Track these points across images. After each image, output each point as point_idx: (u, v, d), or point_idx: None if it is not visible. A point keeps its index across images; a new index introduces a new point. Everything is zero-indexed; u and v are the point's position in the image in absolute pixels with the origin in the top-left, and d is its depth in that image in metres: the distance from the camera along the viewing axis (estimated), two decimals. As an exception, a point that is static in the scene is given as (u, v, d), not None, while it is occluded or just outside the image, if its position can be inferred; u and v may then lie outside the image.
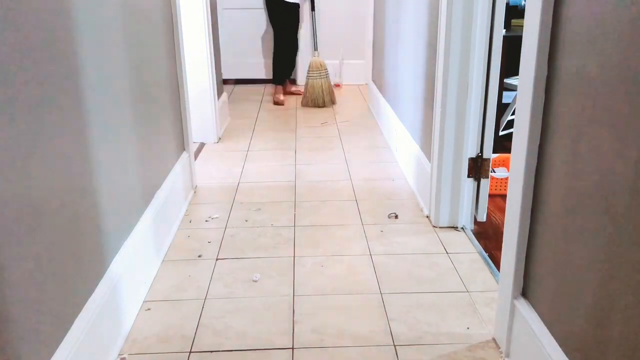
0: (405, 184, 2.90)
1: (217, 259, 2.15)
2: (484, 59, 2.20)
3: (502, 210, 2.46)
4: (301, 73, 5.36)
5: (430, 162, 2.47)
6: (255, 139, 3.77)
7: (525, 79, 1.38)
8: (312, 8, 4.63)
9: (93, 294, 1.50)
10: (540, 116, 1.36)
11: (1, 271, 1.07)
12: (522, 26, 1.40)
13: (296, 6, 4.66)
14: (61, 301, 1.32)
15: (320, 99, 4.51)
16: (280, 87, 4.86)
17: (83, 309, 1.43)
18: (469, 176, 2.35)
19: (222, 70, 4.60)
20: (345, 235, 2.35)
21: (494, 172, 2.71)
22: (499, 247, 1.64)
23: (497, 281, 1.89)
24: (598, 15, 1.10)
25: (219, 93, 3.91)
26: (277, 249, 2.22)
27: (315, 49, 4.60)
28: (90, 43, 1.53)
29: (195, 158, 3.28)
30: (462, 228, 2.38)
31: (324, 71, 4.53)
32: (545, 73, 1.32)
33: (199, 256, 2.17)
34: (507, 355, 1.56)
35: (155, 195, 2.16)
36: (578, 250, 1.20)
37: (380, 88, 4.08)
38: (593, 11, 1.12)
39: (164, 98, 2.35)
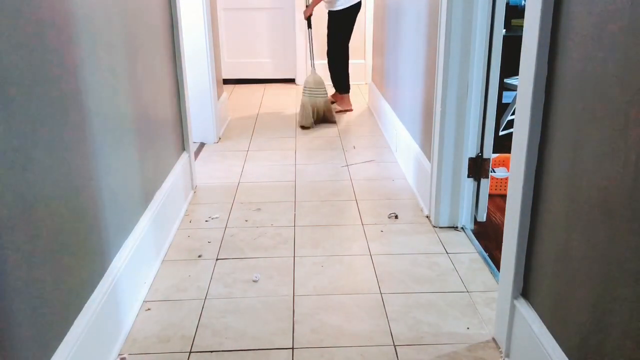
0: (405, 184, 2.90)
1: (217, 259, 2.15)
2: (484, 59, 2.20)
3: (502, 210, 2.46)
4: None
5: (430, 162, 2.47)
6: (255, 139, 3.77)
7: (525, 79, 1.38)
8: (309, 26, 4.30)
9: (93, 294, 1.50)
10: (540, 116, 1.36)
11: (1, 271, 1.07)
12: (522, 26, 1.40)
13: (337, 13, 4.25)
14: (61, 301, 1.32)
15: (312, 119, 4.05)
16: (343, 96, 4.51)
17: (83, 309, 1.43)
18: (469, 176, 2.35)
19: (222, 70, 4.60)
20: (345, 235, 2.35)
21: (494, 172, 2.71)
22: (499, 247, 1.64)
23: (497, 281, 1.89)
24: (598, 15, 1.10)
25: (219, 93, 3.91)
26: (277, 249, 2.22)
27: (312, 66, 4.25)
28: (90, 42, 1.53)
29: (195, 158, 3.28)
30: (462, 228, 2.38)
31: (320, 89, 4.08)
32: (545, 73, 1.32)
33: (199, 256, 2.17)
34: (507, 355, 1.56)
35: (155, 195, 2.16)
36: (578, 250, 1.20)
37: (380, 88, 4.08)
38: (593, 11, 1.12)
39: (164, 98, 2.35)
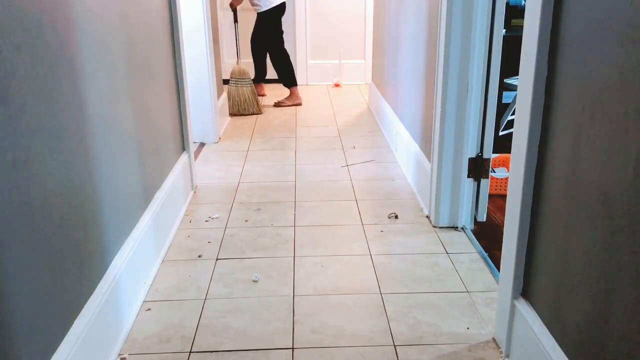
0: (405, 184, 2.90)
1: (217, 259, 2.15)
2: (484, 59, 2.20)
3: (502, 210, 2.46)
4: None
5: (430, 162, 2.47)
6: (255, 139, 3.77)
7: (525, 79, 1.38)
8: (235, 20, 4.66)
9: (93, 294, 1.50)
10: (540, 116, 1.36)
11: (1, 271, 1.07)
12: (522, 26, 1.40)
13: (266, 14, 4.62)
14: (61, 301, 1.32)
15: (244, 106, 4.40)
16: (291, 90, 4.76)
17: (83, 309, 1.43)
18: (469, 176, 2.34)
19: (222, 70, 4.61)
20: (345, 235, 2.34)
21: (494, 172, 2.71)
22: (499, 247, 1.64)
23: (497, 281, 1.89)
24: (598, 15, 1.10)
25: (219, 93, 3.91)
26: (277, 249, 2.22)
27: (238, 57, 4.61)
28: (90, 42, 1.53)
29: (195, 158, 3.28)
30: (462, 228, 2.38)
31: (245, 79, 4.41)
32: (545, 73, 1.32)
33: (199, 256, 2.17)
34: (507, 355, 1.56)
35: (155, 195, 2.16)
36: (578, 250, 1.20)
37: (380, 88, 4.08)
38: (593, 11, 1.12)
39: (164, 98, 2.35)
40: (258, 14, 4.62)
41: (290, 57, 4.84)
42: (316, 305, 1.84)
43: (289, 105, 4.71)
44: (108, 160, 1.64)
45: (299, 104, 4.74)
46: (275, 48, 4.72)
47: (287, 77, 4.74)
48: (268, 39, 4.69)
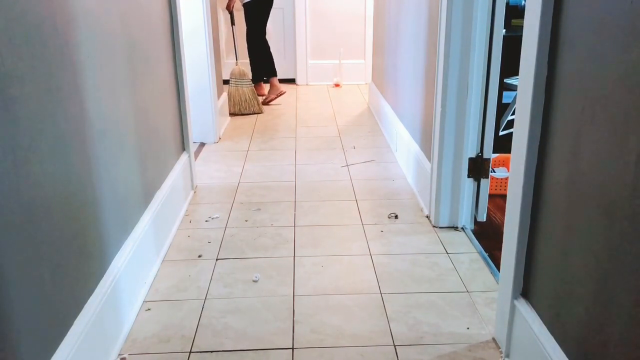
0: (405, 184, 2.90)
1: (217, 259, 2.15)
2: (484, 59, 2.20)
3: (502, 210, 2.46)
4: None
5: (430, 162, 2.47)
6: (255, 138, 3.77)
7: (525, 79, 1.38)
8: (232, 22, 4.73)
9: (93, 294, 1.50)
10: (540, 116, 1.36)
11: (1, 271, 1.07)
12: (522, 26, 1.40)
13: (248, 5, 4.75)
14: (61, 301, 1.32)
15: (245, 106, 4.44)
16: (272, 80, 4.87)
17: (83, 309, 1.43)
18: (469, 176, 2.35)
19: (222, 70, 4.62)
20: (345, 235, 2.35)
21: (494, 172, 2.71)
22: (499, 247, 1.64)
23: (497, 281, 1.89)
24: (598, 15, 1.10)
25: (219, 93, 3.91)
26: (277, 249, 2.22)
27: (236, 59, 4.69)
28: (90, 42, 1.53)
29: (195, 158, 3.28)
30: (462, 228, 2.38)
31: (245, 79, 4.46)
32: (545, 73, 1.32)
33: (199, 256, 2.17)
34: (507, 355, 1.56)
35: (155, 195, 2.16)
36: (578, 250, 1.20)
37: (380, 88, 4.08)
38: (593, 11, 1.12)
39: (164, 98, 2.35)
40: (243, 5, 4.70)
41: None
42: (316, 305, 1.84)
43: (276, 97, 4.77)
44: (108, 160, 1.64)
45: (283, 92, 4.81)
46: (259, 40, 4.80)
47: (269, 68, 4.82)
48: (253, 30, 4.77)
